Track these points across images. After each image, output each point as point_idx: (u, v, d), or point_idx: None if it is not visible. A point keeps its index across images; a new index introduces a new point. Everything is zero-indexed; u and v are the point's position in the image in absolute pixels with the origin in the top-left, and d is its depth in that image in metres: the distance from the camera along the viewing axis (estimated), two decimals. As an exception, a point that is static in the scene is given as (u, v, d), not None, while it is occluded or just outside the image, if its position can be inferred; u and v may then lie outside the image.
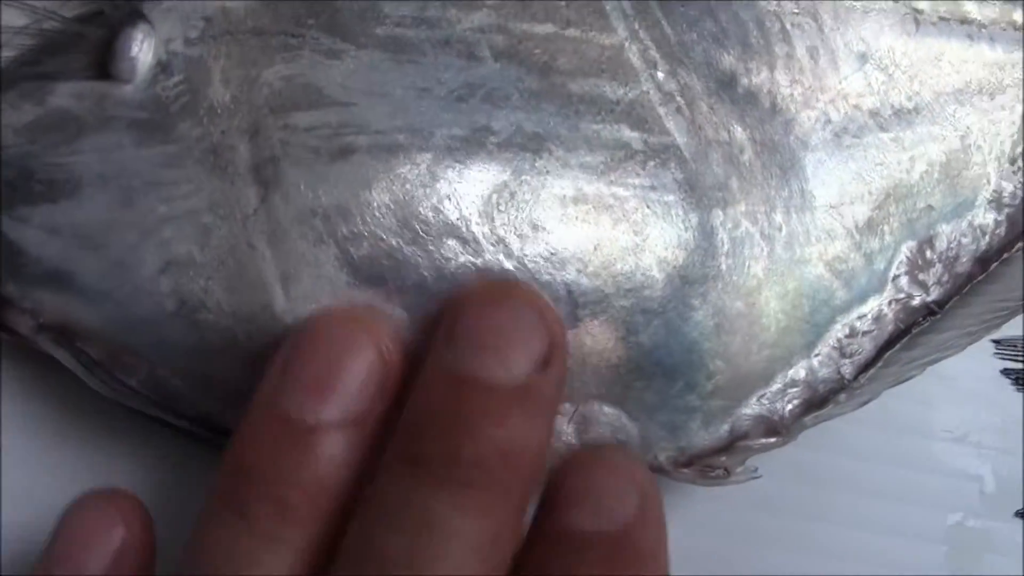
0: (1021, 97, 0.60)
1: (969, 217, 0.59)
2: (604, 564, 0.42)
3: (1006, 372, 0.62)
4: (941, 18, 0.59)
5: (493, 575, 0.41)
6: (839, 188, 0.57)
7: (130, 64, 0.51)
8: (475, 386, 0.42)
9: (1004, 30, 0.60)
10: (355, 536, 0.41)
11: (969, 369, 0.62)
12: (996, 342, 0.61)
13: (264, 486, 0.42)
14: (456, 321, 0.44)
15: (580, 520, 0.43)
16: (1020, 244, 0.61)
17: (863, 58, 0.57)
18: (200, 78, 0.51)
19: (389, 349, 0.44)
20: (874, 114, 0.57)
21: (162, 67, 0.51)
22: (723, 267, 0.54)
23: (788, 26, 0.56)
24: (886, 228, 0.57)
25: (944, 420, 0.63)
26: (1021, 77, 0.60)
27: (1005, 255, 0.60)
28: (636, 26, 0.54)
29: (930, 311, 0.58)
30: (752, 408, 0.55)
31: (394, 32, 0.52)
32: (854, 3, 0.58)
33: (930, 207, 0.58)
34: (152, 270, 0.47)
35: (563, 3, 0.54)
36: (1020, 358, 0.62)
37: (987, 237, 0.60)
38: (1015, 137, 0.60)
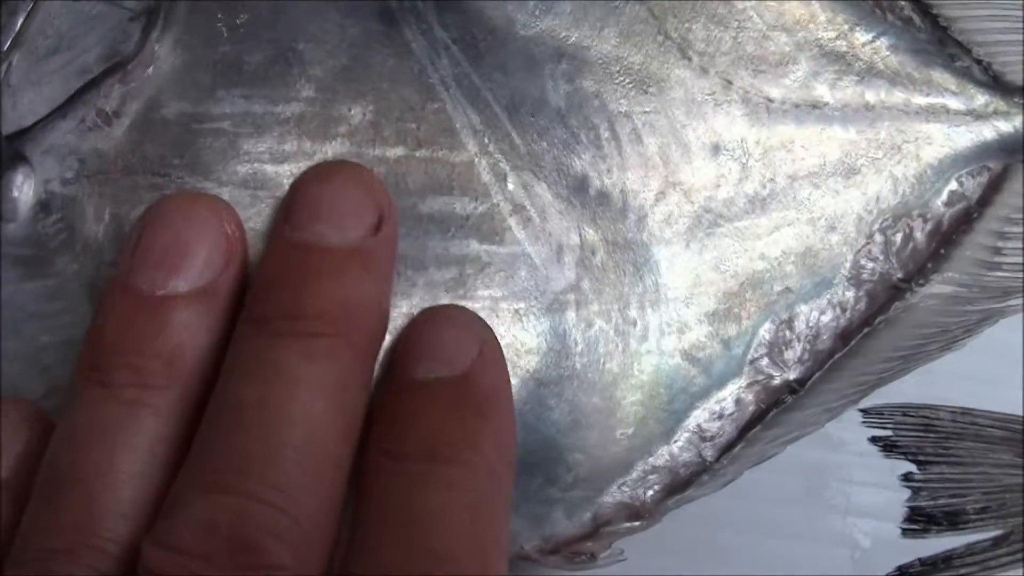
0: (874, 175, 0.63)
1: (828, 295, 0.62)
2: (449, 407, 0.46)
3: (874, 440, 0.65)
4: (794, 105, 0.62)
5: (342, 418, 0.44)
6: (694, 279, 0.60)
7: (12, 204, 0.56)
8: (313, 250, 0.46)
9: (856, 111, 0.62)
10: (216, 393, 0.44)
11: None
12: (863, 411, 0.64)
13: (122, 356, 0.45)
14: (293, 197, 0.49)
15: (425, 369, 0.47)
16: (881, 318, 0.63)
17: (716, 150, 0.60)
18: (76, 216, 0.55)
19: (232, 225, 0.48)
20: (729, 204, 0.60)
21: (42, 206, 0.55)
22: (577, 366, 0.57)
23: (639, 125, 0.59)
24: (743, 314, 0.60)
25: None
26: (874, 156, 0.63)
27: (866, 329, 0.63)
28: (486, 140, 0.57)
29: (791, 389, 0.61)
30: (613, 496, 0.58)
31: (254, 168, 0.56)
32: (706, 97, 0.60)
33: (788, 289, 0.61)
34: (36, 396, 0.51)
35: (413, 125, 0.58)
36: (888, 425, 0.65)
37: (847, 313, 0.63)
38: (871, 215, 0.62)
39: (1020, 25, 0.67)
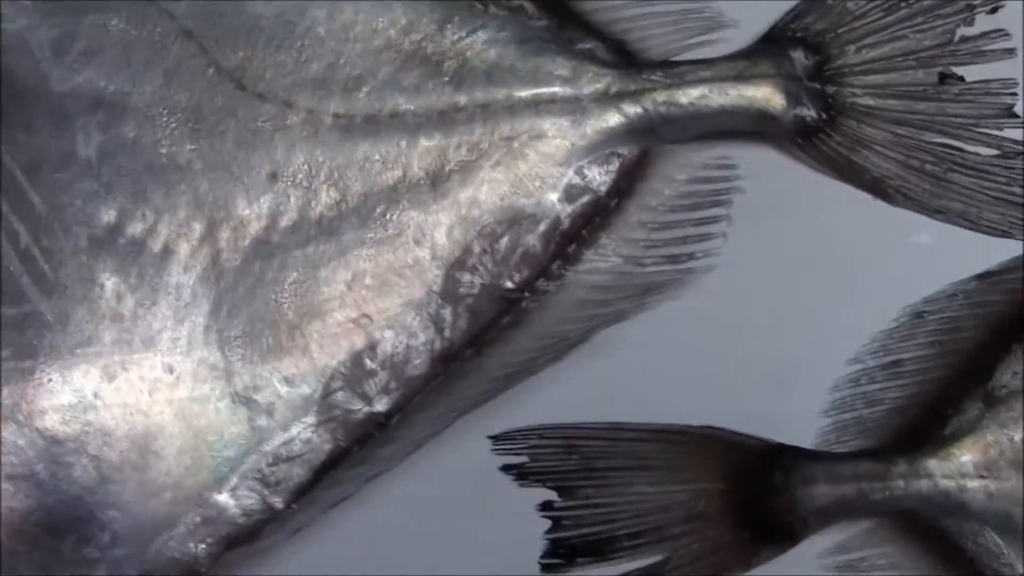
0: (467, 181, 0.58)
1: (417, 316, 0.58)
2: None
3: (506, 468, 0.59)
4: (366, 119, 0.58)
5: None
6: (248, 316, 0.56)
7: None
8: None
9: (444, 115, 0.58)
10: None
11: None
12: (492, 438, 0.59)
13: None
14: None
15: None
16: (489, 334, 0.58)
17: (274, 178, 0.57)
18: None
19: None
20: (291, 232, 0.57)
21: None
22: (104, 420, 0.55)
23: (184, 164, 0.57)
24: (312, 347, 0.57)
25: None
26: (466, 160, 0.58)
27: (470, 350, 0.58)
28: (2, 204, 0.56)
29: (379, 423, 0.57)
30: (161, 551, 0.55)
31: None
32: (263, 124, 0.57)
33: (365, 316, 0.57)
34: None
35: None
36: (522, 451, 0.59)
37: (445, 332, 0.58)
38: (467, 223, 0.58)
39: None
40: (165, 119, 0.56)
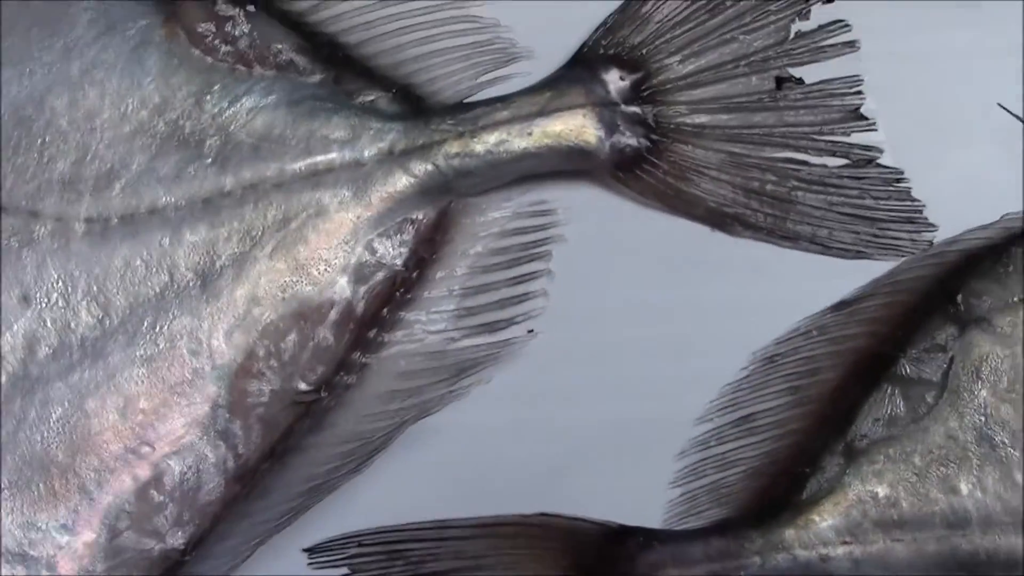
0: (237, 276, 0.51)
1: (204, 435, 0.52)
2: None
3: None
4: (121, 219, 0.51)
5: None
6: (14, 464, 0.52)
7: None
8: None
9: (209, 203, 0.51)
10: None
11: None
12: (307, 551, 0.53)
13: None
14: None
15: None
16: (287, 443, 0.52)
17: (26, 301, 0.50)
18: None
19: None
20: (52, 360, 0.51)
21: None
22: None
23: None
24: (90, 487, 0.51)
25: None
26: (239, 252, 0.51)
27: (265, 464, 0.52)
28: None
29: (177, 559, 0.51)
30: None
31: None
32: (9, 240, 0.51)
33: (144, 443, 0.52)
34: None
35: None
36: (341, 562, 0.53)
37: (239, 449, 0.52)
38: (247, 324, 0.51)
39: (450, 29, 0.53)
40: None
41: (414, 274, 0.52)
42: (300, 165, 0.51)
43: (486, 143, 0.52)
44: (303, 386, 0.51)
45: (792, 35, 0.57)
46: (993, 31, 0.55)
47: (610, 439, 0.54)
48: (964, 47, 0.56)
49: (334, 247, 0.51)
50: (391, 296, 0.52)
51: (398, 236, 0.52)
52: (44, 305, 0.50)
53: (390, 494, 0.54)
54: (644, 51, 0.54)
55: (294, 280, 0.51)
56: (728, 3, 0.54)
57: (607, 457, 0.54)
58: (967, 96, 0.55)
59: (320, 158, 0.51)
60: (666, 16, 0.54)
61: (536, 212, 0.54)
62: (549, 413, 0.56)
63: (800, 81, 0.55)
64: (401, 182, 0.52)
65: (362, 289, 0.52)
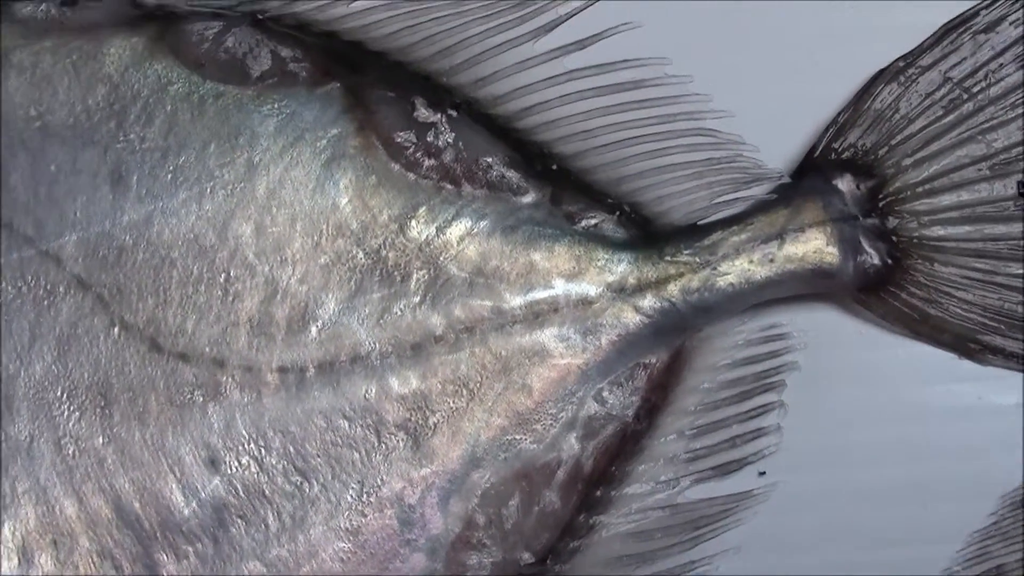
0: (456, 432, 0.44)
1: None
2: None
3: None
4: (319, 367, 0.45)
5: None
6: None
7: None
8: None
9: (418, 348, 0.44)
10: None
11: None
12: None
13: None
14: None
15: None
16: None
17: (214, 465, 0.44)
18: None
19: None
20: (247, 534, 0.44)
21: None
22: None
23: (92, 461, 0.44)
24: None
25: None
26: (454, 407, 0.44)
27: None
28: None
29: None
30: None
31: None
32: (192, 394, 0.43)
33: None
34: None
35: None
36: None
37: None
38: (465, 489, 0.45)
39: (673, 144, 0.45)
40: (64, 404, 0.40)
41: (645, 424, 0.45)
42: (520, 303, 0.44)
43: (727, 276, 0.45)
44: (527, 556, 0.44)
45: (1036, 132, 0.47)
46: None
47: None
48: None
49: (560, 398, 0.44)
50: (620, 450, 0.45)
51: (630, 383, 0.45)
52: (235, 469, 0.42)
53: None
54: (878, 153, 0.47)
55: (516, 437, 0.44)
56: (966, 97, 0.46)
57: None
58: None
59: (542, 295, 0.44)
60: (899, 114, 0.46)
61: (768, 338, 0.47)
62: (790, 560, 0.52)
63: (1045, 185, 0.47)
64: (633, 322, 0.44)
65: (591, 445, 0.45)
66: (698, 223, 0.47)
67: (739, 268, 0.46)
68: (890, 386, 0.50)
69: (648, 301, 0.46)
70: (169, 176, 0.44)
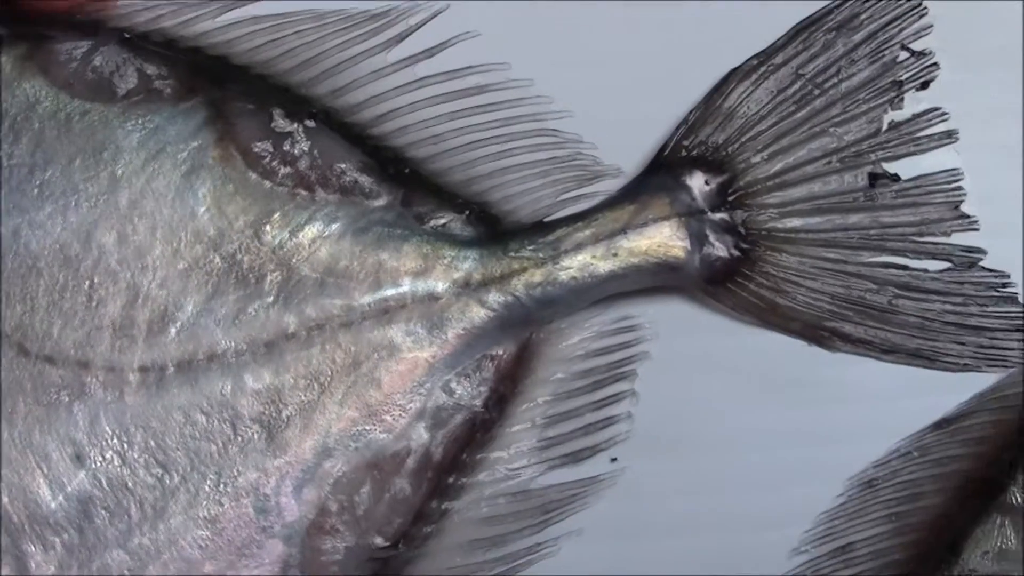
0: (307, 424, 0.47)
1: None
2: None
3: None
4: (178, 366, 0.47)
5: None
6: None
7: None
8: None
9: (272, 346, 0.47)
10: None
11: None
12: None
13: None
14: None
15: None
16: None
17: (79, 460, 0.47)
18: None
19: None
20: (110, 523, 0.47)
21: None
22: None
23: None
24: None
25: None
26: (307, 399, 0.47)
27: None
28: None
29: None
30: None
31: None
32: (56, 395, 0.46)
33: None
34: None
35: None
36: None
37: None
38: (317, 477, 0.47)
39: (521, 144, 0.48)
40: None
41: (494, 413, 0.47)
42: (369, 301, 0.46)
43: (569, 270, 0.47)
44: (380, 541, 0.47)
45: (886, 126, 0.51)
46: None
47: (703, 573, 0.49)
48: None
49: (408, 390, 0.47)
50: (471, 438, 0.48)
51: (477, 375, 0.48)
52: (99, 464, 0.45)
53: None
54: (728, 150, 0.49)
55: (367, 428, 0.47)
56: (816, 93, 0.49)
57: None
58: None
59: (391, 292, 0.47)
60: (751, 111, 0.49)
61: (620, 329, 0.49)
62: (638, 546, 0.53)
63: (896, 177, 0.49)
64: (479, 316, 0.47)
65: (440, 434, 0.48)
66: (544, 220, 0.49)
67: (581, 262, 0.48)
68: (742, 374, 0.51)
69: (493, 296, 0.48)
70: (36, 191, 0.46)
